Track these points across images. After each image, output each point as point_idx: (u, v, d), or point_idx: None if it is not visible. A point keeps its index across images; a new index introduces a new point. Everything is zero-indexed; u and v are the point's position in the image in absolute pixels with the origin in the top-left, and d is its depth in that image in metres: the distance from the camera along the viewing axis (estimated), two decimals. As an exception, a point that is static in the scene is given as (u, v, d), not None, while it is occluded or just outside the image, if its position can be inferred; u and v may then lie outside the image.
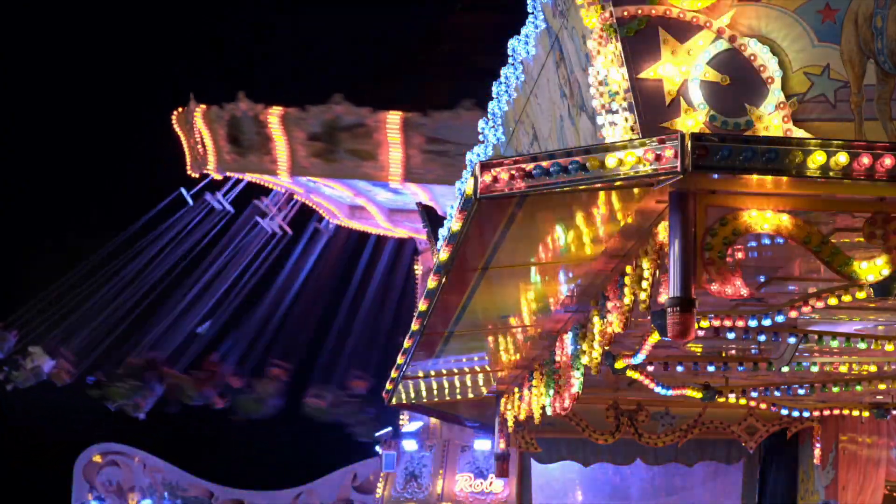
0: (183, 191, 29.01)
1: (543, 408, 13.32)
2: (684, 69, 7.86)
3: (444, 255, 9.39)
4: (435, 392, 17.01)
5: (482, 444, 24.47)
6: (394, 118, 24.17)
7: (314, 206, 28.68)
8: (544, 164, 7.23)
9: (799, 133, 7.77)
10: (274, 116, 24.95)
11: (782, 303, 9.47)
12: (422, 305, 11.51)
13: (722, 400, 14.85)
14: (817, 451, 18.12)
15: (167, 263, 30.32)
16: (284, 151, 25.11)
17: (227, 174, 27.09)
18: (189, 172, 27.26)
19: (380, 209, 27.36)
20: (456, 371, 15.68)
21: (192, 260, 30.42)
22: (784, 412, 16.61)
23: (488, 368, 15.29)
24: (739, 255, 7.52)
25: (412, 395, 17.35)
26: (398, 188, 25.32)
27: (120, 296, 30.29)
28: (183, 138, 26.84)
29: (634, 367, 12.58)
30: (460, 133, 23.42)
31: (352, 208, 28.19)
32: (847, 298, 8.75)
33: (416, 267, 27.81)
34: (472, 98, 23.12)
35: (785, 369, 12.15)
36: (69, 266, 30.74)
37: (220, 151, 26.07)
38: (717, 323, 9.96)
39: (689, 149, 6.90)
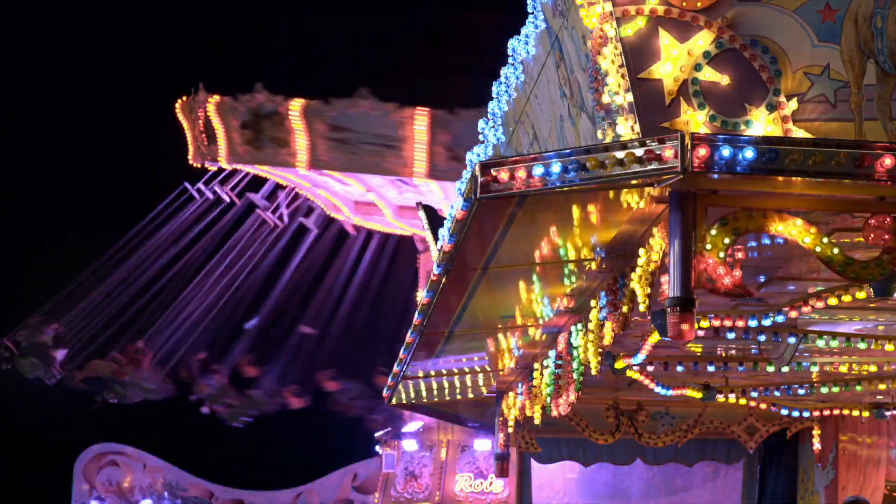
0: (187, 185, 29.07)
1: (543, 408, 13.31)
2: (684, 69, 7.86)
3: (444, 254, 9.39)
4: (435, 392, 17.00)
5: (482, 444, 24.47)
6: (295, 105, 24.38)
7: (319, 202, 28.63)
8: (544, 164, 7.23)
9: (799, 133, 7.77)
10: (211, 105, 25.16)
11: (782, 303, 9.47)
12: (423, 302, 11.53)
13: (722, 400, 14.85)
14: (817, 451, 18.12)
15: (181, 256, 30.41)
16: (223, 139, 25.32)
17: (205, 165, 27.28)
18: (191, 162, 27.34)
19: (387, 203, 27.36)
20: (456, 371, 15.67)
21: (196, 250, 30.48)
22: (784, 412, 16.62)
23: (488, 368, 15.28)
24: (739, 255, 7.49)
25: (412, 395, 17.35)
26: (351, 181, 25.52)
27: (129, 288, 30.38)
28: (187, 128, 26.92)
29: (634, 367, 12.58)
30: (358, 121, 23.66)
31: (357, 204, 28.18)
32: (847, 298, 8.76)
33: (419, 256, 27.77)
34: (368, 87, 23.34)
35: (785, 369, 12.16)
36: (69, 265, 30.77)
37: (196, 142, 26.25)
38: (717, 323, 9.97)
39: (689, 149, 6.90)
